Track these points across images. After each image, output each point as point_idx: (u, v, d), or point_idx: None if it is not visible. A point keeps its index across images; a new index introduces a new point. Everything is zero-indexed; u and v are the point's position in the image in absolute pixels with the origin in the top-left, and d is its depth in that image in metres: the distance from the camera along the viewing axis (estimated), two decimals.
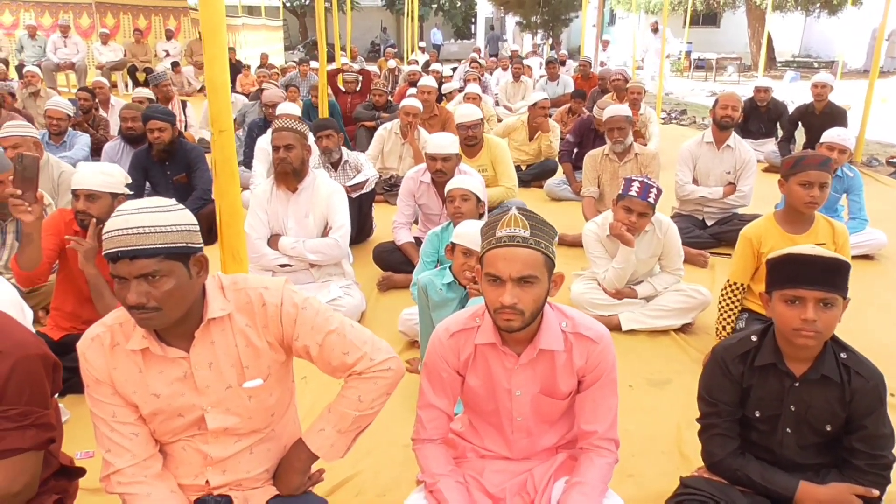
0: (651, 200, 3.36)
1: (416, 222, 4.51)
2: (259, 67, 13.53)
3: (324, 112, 6.35)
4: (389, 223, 5.15)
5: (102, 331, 1.71)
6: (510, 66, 11.52)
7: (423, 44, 19.30)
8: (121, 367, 1.69)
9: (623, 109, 4.82)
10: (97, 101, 7.38)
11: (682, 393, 3.01)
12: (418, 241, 4.33)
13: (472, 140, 5.18)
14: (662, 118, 11.27)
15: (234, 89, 8.89)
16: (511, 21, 27.24)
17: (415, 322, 3.27)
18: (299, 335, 1.74)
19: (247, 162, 6.37)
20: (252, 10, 22.02)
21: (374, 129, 7.43)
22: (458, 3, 29.62)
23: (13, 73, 12.17)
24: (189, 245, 1.60)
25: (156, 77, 7.86)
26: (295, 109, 5.56)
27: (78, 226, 3.01)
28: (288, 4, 26.77)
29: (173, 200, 1.67)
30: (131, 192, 3.18)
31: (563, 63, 12.77)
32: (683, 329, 3.65)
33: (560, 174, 6.57)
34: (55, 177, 4.53)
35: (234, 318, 1.72)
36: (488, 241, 1.75)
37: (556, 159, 6.69)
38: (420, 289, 2.97)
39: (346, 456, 1.85)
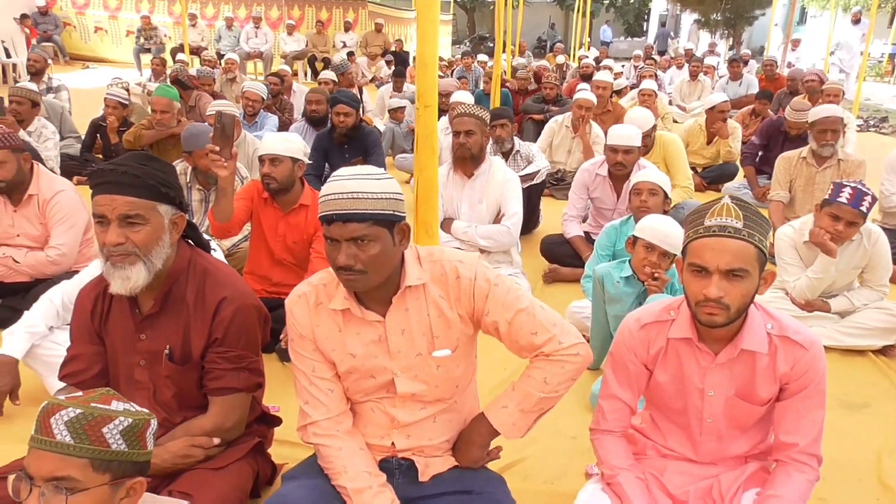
0: (864, 209, 3.04)
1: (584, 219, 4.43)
2: None
3: (496, 102, 6.40)
4: (554, 216, 5.12)
5: (308, 290, 1.82)
6: (686, 64, 11.02)
7: (588, 39, 18.94)
8: (323, 325, 1.79)
9: (837, 110, 4.42)
10: (284, 86, 7.92)
11: (881, 418, 2.73)
12: (588, 235, 4.25)
13: (620, 168, 4.97)
14: (858, 125, 10.28)
15: (403, 80, 9.17)
16: (687, 18, 26.04)
17: (584, 316, 3.20)
18: (490, 311, 1.75)
19: (412, 149, 6.56)
20: None
21: (542, 122, 7.39)
22: (632, 0, 28.78)
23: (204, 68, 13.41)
24: (395, 213, 1.65)
25: (340, 66, 8.31)
26: (469, 98, 5.65)
27: (265, 189, 3.25)
28: (459, 0, 27.33)
29: (383, 169, 1.74)
30: (310, 161, 3.37)
31: (745, 62, 12.01)
32: (884, 351, 3.29)
33: (740, 178, 6.18)
34: (250, 153, 4.92)
35: (429, 288, 1.76)
36: (695, 230, 1.66)
37: (737, 162, 6.30)
38: (596, 280, 2.90)
39: (525, 436, 1.84)
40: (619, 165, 3.93)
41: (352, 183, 1.62)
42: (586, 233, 4.26)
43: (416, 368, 1.78)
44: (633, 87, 9.14)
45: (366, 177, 1.64)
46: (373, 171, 1.68)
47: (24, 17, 13.72)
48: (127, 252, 1.75)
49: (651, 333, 1.81)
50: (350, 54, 14.34)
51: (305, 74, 15.06)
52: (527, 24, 22.65)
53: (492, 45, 23.95)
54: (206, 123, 4.43)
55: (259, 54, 14.34)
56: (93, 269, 2.78)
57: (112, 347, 1.94)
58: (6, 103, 5.46)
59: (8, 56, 12.49)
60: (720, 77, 10.93)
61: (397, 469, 1.83)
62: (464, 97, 5.70)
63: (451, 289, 1.76)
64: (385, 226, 1.64)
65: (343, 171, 1.69)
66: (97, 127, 6.51)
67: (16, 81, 12.21)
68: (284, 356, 2.92)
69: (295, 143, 3.24)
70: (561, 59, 13.35)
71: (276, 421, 2.19)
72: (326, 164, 5.34)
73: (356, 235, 1.61)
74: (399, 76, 9.22)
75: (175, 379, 1.90)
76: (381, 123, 7.63)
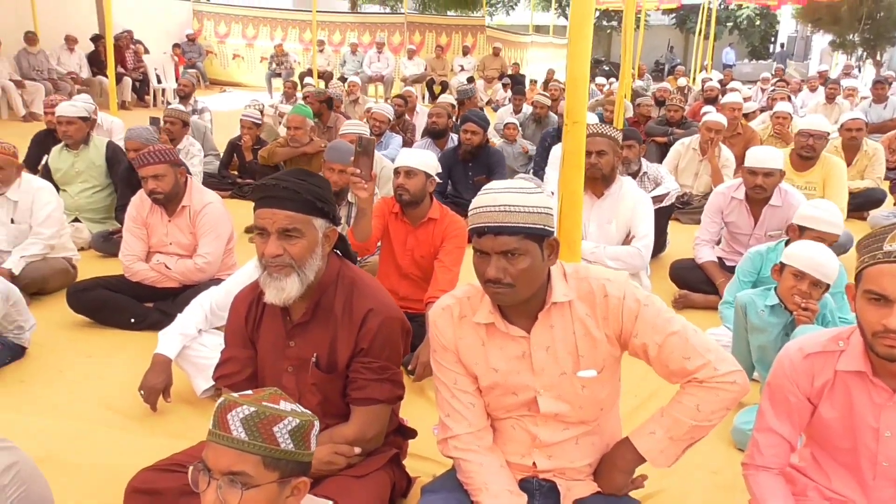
0: None
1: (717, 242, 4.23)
2: (546, 83, 13.90)
3: (619, 124, 6.27)
4: (680, 241, 4.94)
5: (452, 302, 1.83)
6: (820, 87, 10.41)
7: (706, 62, 18.32)
8: (466, 338, 1.79)
9: None
10: (408, 107, 8.14)
11: None
12: (721, 261, 4.06)
13: (809, 151, 4.73)
14: None
15: (522, 100, 9.19)
16: (819, 40, 24.64)
17: (722, 344, 3.02)
18: (639, 332, 1.70)
19: (536, 170, 6.55)
20: (540, 29, 22.73)
21: (665, 144, 7.19)
22: (758, 22, 27.57)
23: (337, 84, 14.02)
24: (546, 227, 1.64)
25: (466, 92, 8.42)
26: (594, 119, 5.55)
27: (397, 200, 3.32)
28: None
29: (533, 183, 1.73)
30: (440, 181, 3.41)
31: (889, 84, 11.19)
32: None
33: (888, 205, 5.73)
34: (378, 170, 5.06)
35: (575, 305, 1.72)
36: (872, 255, 1.54)
37: (886, 188, 5.85)
38: (738, 308, 2.76)
39: (672, 465, 1.76)
40: (759, 189, 3.73)
41: (504, 196, 1.62)
42: (719, 258, 4.07)
43: (559, 388, 1.74)
44: (762, 110, 8.71)
45: (518, 190, 1.64)
46: (524, 185, 1.67)
47: (175, 46, 14.90)
48: (284, 263, 1.82)
49: (816, 364, 1.69)
50: (470, 79, 14.56)
51: (423, 97, 15.43)
52: (644, 47, 22.22)
53: (607, 68, 23.67)
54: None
55: (380, 78, 14.84)
56: (239, 277, 2.93)
57: (262, 352, 2.02)
58: (161, 123, 5.93)
59: (159, 81, 13.56)
60: (862, 99, 10.24)
61: (538, 490, 1.80)
62: (589, 118, 5.61)
63: (598, 307, 1.72)
64: (535, 240, 1.62)
65: (495, 184, 1.70)
66: (234, 146, 6.94)
67: (165, 104, 13.27)
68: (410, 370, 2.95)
69: (429, 160, 3.31)
70: (682, 81, 12.96)
71: (412, 433, 2.21)
72: (448, 181, 5.42)
73: (507, 248, 1.60)
74: (518, 95, 9.25)
75: (321, 386, 1.95)
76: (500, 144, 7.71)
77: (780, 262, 2.66)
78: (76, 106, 5.10)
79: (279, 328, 1.98)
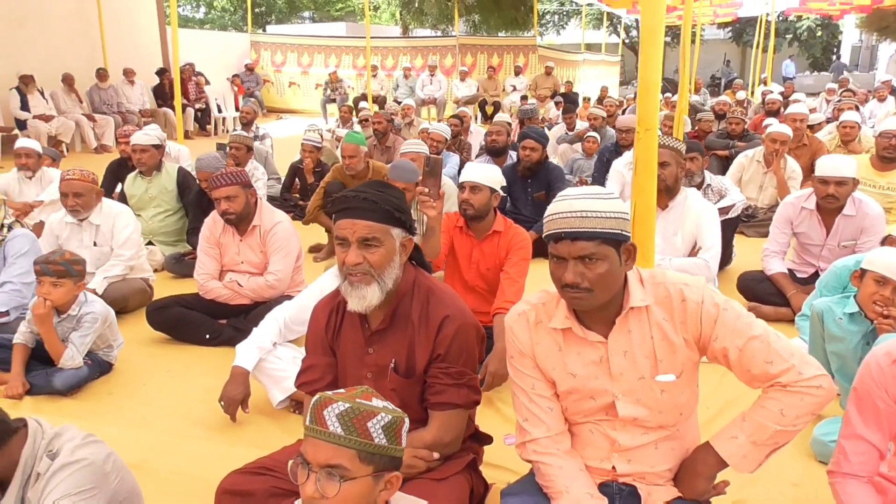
0: None
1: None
2: (599, 100, 13.87)
3: (679, 137, 6.22)
4: (745, 253, 4.85)
5: (528, 308, 1.85)
6: (890, 96, 10.09)
7: (764, 75, 17.93)
8: (542, 343, 1.81)
9: None
10: (463, 126, 8.24)
11: None
12: (791, 273, 3.98)
13: (892, 151, 4.61)
14: None
15: (574, 117, 9.19)
16: (886, 49, 23.83)
17: None
18: (718, 336, 1.69)
19: (594, 185, 6.53)
20: (591, 47, 22.72)
21: (727, 157, 7.08)
22: (819, 33, 26.88)
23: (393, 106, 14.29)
24: (622, 232, 1.65)
25: (527, 111, 8.50)
26: None
27: (462, 215, 3.37)
28: (627, 41, 27.08)
29: (609, 189, 1.76)
30: (505, 195, 3.44)
31: None
32: None
33: None
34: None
35: (653, 310, 1.73)
36: None
37: None
38: (814, 315, 2.70)
39: (755, 471, 1.73)
40: (831, 198, 3.65)
41: (580, 202, 1.65)
42: (789, 270, 3.98)
43: (638, 392, 1.75)
44: (828, 121, 8.49)
45: (594, 196, 1.66)
46: (601, 190, 1.70)
47: (234, 76, 15.46)
48: (364, 272, 1.88)
49: None
50: (524, 98, 14.63)
51: (476, 118, 15.56)
52: (700, 62, 21.95)
53: (661, 83, 23.42)
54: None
55: (433, 100, 15.05)
56: (311, 292, 3.02)
57: (342, 359, 2.08)
58: (227, 149, 6.16)
59: (219, 111, 14.07)
60: None
61: (617, 494, 1.79)
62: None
63: (675, 312, 1.72)
64: (612, 245, 1.64)
65: (570, 191, 1.73)
66: (295, 169, 7.13)
67: (226, 132, 13.76)
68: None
69: (494, 174, 3.37)
70: (742, 95, 12.74)
71: (488, 439, 2.23)
72: (507, 197, 5.45)
73: (584, 254, 1.63)
74: (569, 113, 9.25)
75: (399, 392, 2.00)
76: (554, 161, 7.73)
77: (861, 268, 2.60)
78: (149, 135, 5.36)
79: (358, 336, 2.04)
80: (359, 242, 1.88)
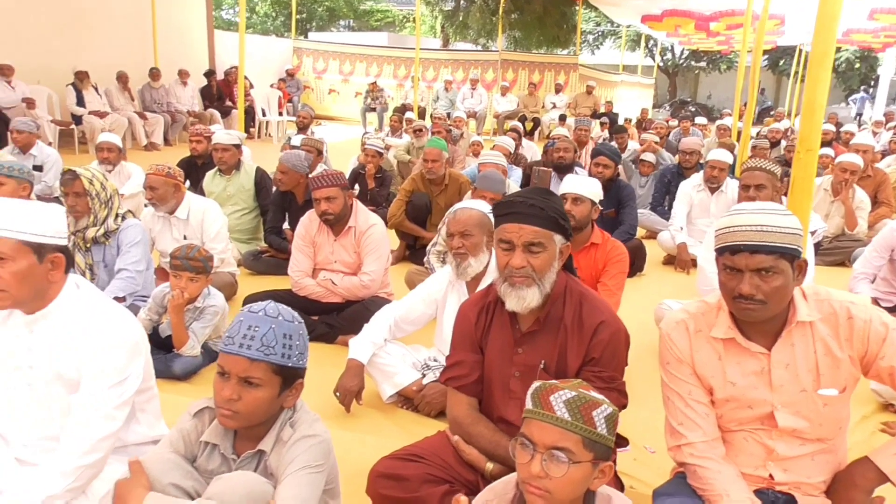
0: None
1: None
2: (640, 122, 13.96)
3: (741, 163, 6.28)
4: (816, 281, 4.88)
5: (686, 317, 1.93)
6: None
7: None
8: (701, 352, 1.89)
9: None
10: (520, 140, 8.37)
11: None
12: (875, 301, 4.01)
13: None
14: None
15: (625, 137, 9.27)
16: None
17: None
18: (886, 355, 1.75)
19: (654, 206, 6.60)
20: (627, 69, 22.82)
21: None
22: (857, 65, 26.84)
23: (428, 122, 14.46)
24: (798, 248, 1.73)
25: (582, 121, 8.59)
26: (728, 158, 5.59)
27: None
28: (661, 64, 27.19)
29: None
30: (603, 209, 3.51)
31: None
32: None
33: None
34: None
35: (817, 326, 1.80)
36: None
37: None
38: None
39: None
40: None
41: (759, 216, 1.73)
42: (872, 298, 4.02)
43: (798, 404, 1.82)
44: (883, 154, 8.51)
45: (772, 211, 1.75)
46: (777, 207, 1.79)
47: (280, 80, 15.71)
48: (526, 275, 1.98)
49: None
50: (562, 118, 14.73)
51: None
52: (731, 89, 22.00)
53: (693, 109, 23.46)
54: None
55: (473, 114, 15.19)
56: (420, 294, 3.13)
57: (490, 357, 2.16)
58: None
59: (263, 115, 14.29)
60: None
61: (773, 502, 1.86)
62: (726, 156, 5.62)
63: (841, 329, 1.79)
64: (788, 260, 1.72)
65: (746, 205, 1.82)
66: (357, 174, 7.26)
67: (269, 136, 13.97)
68: None
69: (595, 188, 3.46)
70: (786, 123, 12.76)
71: (624, 441, 2.30)
72: None
73: (762, 267, 1.71)
74: (620, 134, 9.33)
75: None
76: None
77: None
78: (231, 135, 5.52)
79: (508, 336, 2.13)
80: (524, 246, 1.97)
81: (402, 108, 13.64)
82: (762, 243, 1.71)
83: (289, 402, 1.69)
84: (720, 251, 1.80)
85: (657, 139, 8.29)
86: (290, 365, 1.63)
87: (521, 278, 1.98)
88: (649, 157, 7.15)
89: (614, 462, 2.26)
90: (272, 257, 5.19)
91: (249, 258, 5.17)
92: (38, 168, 6.35)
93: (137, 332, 1.94)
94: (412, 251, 5.67)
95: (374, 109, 15.72)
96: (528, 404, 1.44)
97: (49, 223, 1.82)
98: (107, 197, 3.51)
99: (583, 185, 3.42)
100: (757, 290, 1.72)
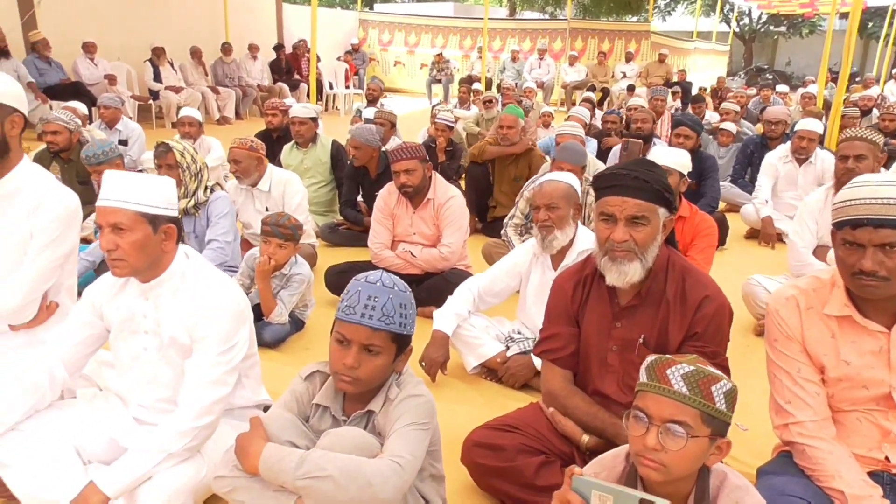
0: None
1: None
2: (715, 91, 13.47)
3: (833, 134, 5.99)
4: None
5: (797, 293, 1.86)
6: None
7: (894, 70, 16.90)
8: (813, 329, 1.82)
9: None
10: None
11: None
12: None
13: None
14: None
15: (703, 107, 8.95)
16: None
17: None
18: None
19: (735, 178, 6.38)
20: (701, 35, 21.98)
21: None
22: None
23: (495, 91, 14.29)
24: None
25: (657, 91, 8.32)
26: (818, 127, 5.34)
27: None
28: (737, 30, 26.05)
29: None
30: (691, 179, 3.41)
31: None
32: None
33: None
34: (590, 172, 5.15)
35: None
36: None
37: None
38: None
39: None
40: None
41: (884, 189, 1.65)
42: None
43: None
44: None
45: (893, 183, 1.66)
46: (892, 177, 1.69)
47: (346, 53, 15.80)
48: (629, 249, 1.93)
49: None
50: (630, 88, 14.31)
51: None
52: (816, 54, 20.94)
53: (771, 76, 22.43)
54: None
55: (541, 84, 14.93)
56: (503, 266, 3.12)
57: (587, 331, 2.14)
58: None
59: (330, 87, 14.42)
60: None
61: (888, 485, 1.78)
62: (815, 125, 5.37)
63: None
64: None
65: (869, 177, 1.73)
66: (427, 148, 7.25)
67: (336, 109, 14.11)
68: None
69: (683, 159, 3.37)
70: (876, 90, 12.08)
71: None
72: None
73: (887, 242, 1.63)
74: (698, 104, 9.02)
75: None
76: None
77: None
78: (308, 108, 5.58)
79: (606, 310, 2.10)
80: (627, 220, 1.93)
81: (469, 80, 13.53)
82: (887, 217, 1.62)
83: (399, 366, 1.73)
84: (839, 225, 1.72)
85: (737, 108, 7.95)
86: (405, 333, 1.67)
87: (623, 252, 1.94)
88: (730, 126, 6.88)
89: None
90: (348, 230, 5.26)
91: (326, 230, 5.26)
92: (123, 142, 6.59)
93: (242, 300, 2.00)
94: (484, 224, 5.66)
95: (439, 81, 15.64)
96: (643, 378, 1.42)
97: (163, 195, 1.89)
98: (197, 169, 3.60)
99: (671, 157, 3.33)
100: (880, 266, 1.64)
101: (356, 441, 1.55)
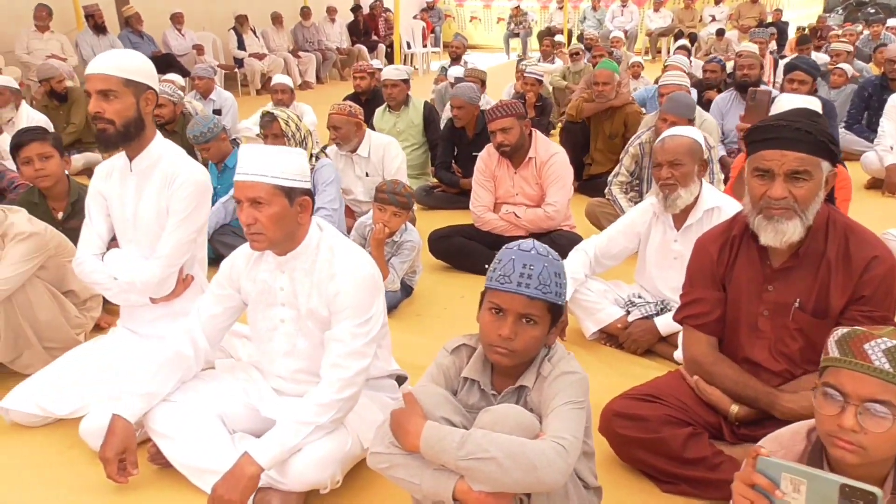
0: None
1: None
2: (815, 31, 12.57)
3: None
4: None
5: None
6: None
7: None
8: None
9: None
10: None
11: None
12: None
13: None
14: None
15: (808, 49, 8.35)
16: None
17: None
18: None
19: (851, 123, 5.95)
20: None
21: None
22: None
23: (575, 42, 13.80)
24: None
25: (758, 33, 7.85)
26: None
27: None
28: None
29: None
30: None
31: None
32: None
33: None
34: (698, 123, 4.89)
35: None
36: None
37: None
38: None
39: None
40: None
41: None
42: None
43: None
44: None
45: None
46: None
47: (422, 10, 15.59)
48: (787, 206, 1.79)
49: None
50: (720, 32, 13.46)
51: (668, 52, 14.66)
52: None
53: (873, 10, 20.70)
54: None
55: (624, 32, 14.32)
56: (619, 226, 2.99)
57: (734, 295, 2.01)
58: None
59: (409, 47, 14.28)
60: None
61: None
62: None
63: None
64: None
65: None
66: None
67: (414, 69, 13.99)
68: None
69: (815, 107, 3.11)
70: None
71: None
72: None
73: None
74: (804, 45, 8.40)
75: (807, 332, 1.90)
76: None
77: None
78: (399, 70, 5.51)
79: (756, 272, 1.96)
80: (786, 175, 1.78)
81: (548, 32, 13.12)
82: None
83: (551, 340, 1.66)
84: None
85: (850, 48, 7.37)
86: (560, 302, 1.60)
87: (781, 210, 1.79)
88: (846, 66, 6.39)
89: None
90: (443, 192, 5.21)
91: (421, 193, 5.21)
92: (217, 112, 6.72)
93: (375, 270, 1.97)
94: (581, 182, 5.48)
95: (517, 35, 15.26)
96: (834, 352, 1.30)
97: (297, 168, 1.86)
98: (301, 137, 3.61)
99: (802, 104, 3.08)
100: None
101: (517, 420, 1.50)
